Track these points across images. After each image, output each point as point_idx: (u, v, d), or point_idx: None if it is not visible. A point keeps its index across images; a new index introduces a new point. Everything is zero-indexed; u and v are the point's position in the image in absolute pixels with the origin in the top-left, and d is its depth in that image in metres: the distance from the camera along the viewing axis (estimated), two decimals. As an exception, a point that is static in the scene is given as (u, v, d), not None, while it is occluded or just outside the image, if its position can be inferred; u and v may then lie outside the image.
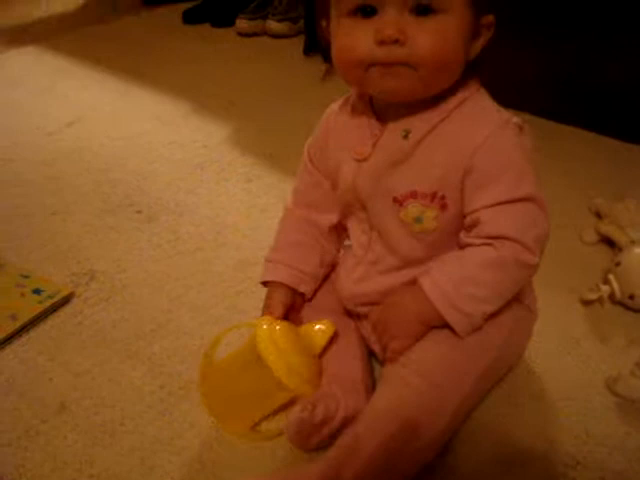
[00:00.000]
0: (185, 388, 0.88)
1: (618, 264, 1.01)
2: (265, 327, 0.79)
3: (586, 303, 1.01)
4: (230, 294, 1.05)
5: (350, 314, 0.90)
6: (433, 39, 0.69)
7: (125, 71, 1.99)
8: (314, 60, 1.97)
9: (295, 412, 0.76)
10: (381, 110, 0.79)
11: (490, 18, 0.74)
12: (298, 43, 2.06)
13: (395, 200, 0.77)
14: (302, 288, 0.89)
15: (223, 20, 2.34)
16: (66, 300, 1.05)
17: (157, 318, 1.02)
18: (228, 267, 1.12)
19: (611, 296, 1.00)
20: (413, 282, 0.78)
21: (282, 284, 0.88)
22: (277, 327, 0.80)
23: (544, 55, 1.50)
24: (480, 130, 0.74)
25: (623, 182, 1.32)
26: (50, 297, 1.04)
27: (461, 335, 0.76)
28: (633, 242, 1.06)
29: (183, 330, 0.99)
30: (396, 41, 0.68)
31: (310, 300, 0.92)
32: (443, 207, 0.76)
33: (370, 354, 0.89)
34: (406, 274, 0.81)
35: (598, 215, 1.20)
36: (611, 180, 1.33)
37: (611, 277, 1.00)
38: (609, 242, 1.13)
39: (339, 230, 0.92)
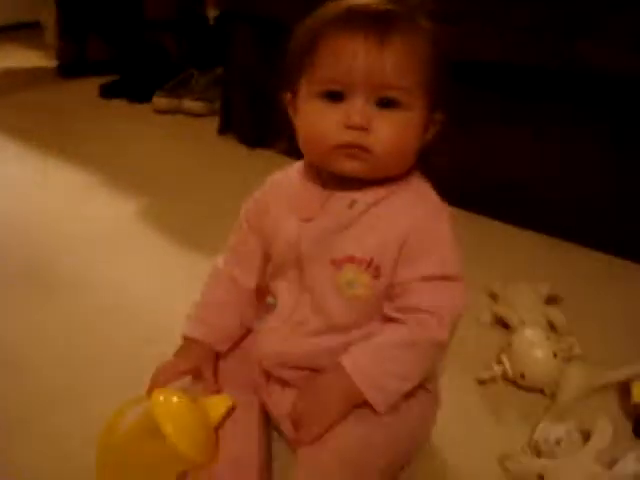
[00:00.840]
0: (82, 467, 0.85)
1: (510, 344, 1.06)
2: (162, 398, 0.79)
3: (481, 382, 1.05)
4: (132, 370, 1.03)
5: (259, 382, 0.90)
6: (394, 133, 0.75)
7: (39, 143, 1.99)
8: (228, 139, 2.01)
9: None
10: (329, 180, 0.82)
11: (441, 116, 0.81)
12: (214, 122, 2.10)
13: (333, 262, 0.80)
14: (219, 347, 0.91)
15: (140, 96, 2.37)
16: (-39, 375, 1.02)
17: (55, 392, 1.00)
18: (131, 342, 1.12)
19: (504, 375, 1.04)
20: (336, 349, 0.81)
21: (202, 342, 0.90)
22: (174, 398, 0.80)
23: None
24: (419, 210, 0.79)
25: (516, 265, 1.39)
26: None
27: (378, 411, 0.78)
28: (524, 323, 1.11)
29: (82, 405, 0.98)
30: (362, 128, 0.74)
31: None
32: (376, 276, 0.79)
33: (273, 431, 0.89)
34: (331, 339, 0.82)
35: (493, 297, 1.25)
36: (505, 263, 1.40)
37: (503, 357, 1.05)
38: (503, 323, 1.18)
39: (259, 296, 0.93)
